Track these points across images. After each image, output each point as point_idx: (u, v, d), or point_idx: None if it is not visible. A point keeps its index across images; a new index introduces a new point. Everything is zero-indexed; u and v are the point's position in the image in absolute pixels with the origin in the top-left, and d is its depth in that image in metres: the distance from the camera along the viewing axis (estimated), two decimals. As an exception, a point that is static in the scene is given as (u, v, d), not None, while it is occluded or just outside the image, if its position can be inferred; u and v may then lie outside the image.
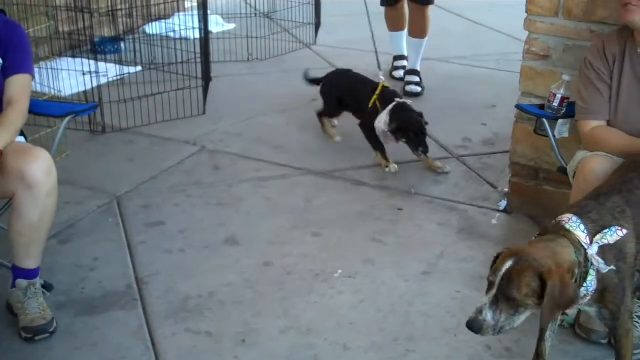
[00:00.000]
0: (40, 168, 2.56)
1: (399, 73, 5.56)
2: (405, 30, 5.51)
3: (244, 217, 3.57)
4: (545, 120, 3.00)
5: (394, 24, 5.55)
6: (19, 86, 2.77)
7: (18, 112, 2.72)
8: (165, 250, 3.27)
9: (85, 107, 3.18)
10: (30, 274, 2.71)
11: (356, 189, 3.88)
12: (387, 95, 4.13)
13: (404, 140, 3.99)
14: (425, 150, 3.96)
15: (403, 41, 5.61)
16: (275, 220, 3.53)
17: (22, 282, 2.70)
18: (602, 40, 2.79)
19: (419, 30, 5.31)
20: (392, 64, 5.62)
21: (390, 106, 4.03)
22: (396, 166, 4.04)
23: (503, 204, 3.67)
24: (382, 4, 5.49)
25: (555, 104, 2.96)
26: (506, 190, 3.71)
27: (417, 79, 5.26)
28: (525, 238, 3.05)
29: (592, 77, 2.76)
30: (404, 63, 5.59)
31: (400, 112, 4.00)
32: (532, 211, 3.53)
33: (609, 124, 2.76)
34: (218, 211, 3.62)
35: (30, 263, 2.69)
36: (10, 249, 2.69)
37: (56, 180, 2.63)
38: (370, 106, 4.13)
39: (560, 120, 3.00)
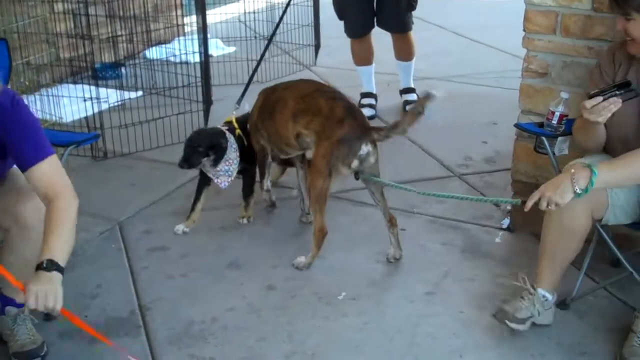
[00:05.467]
0: (34, 212, 2.42)
1: (364, 112, 4.88)
2: (373, 65, 5.23)
3: (247, 240, 3.57)
4: (544, 139, 2.99)
5: (361, 58, 5.23)
6: (48, 175, 2.36)
7: (63, 206, 2.34)
8: (168, 275, 3.26)
9: (87, 136, 3.20)
10: (20, 303, 2.68)
11: (357, 210, 3.87)
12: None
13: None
14: None
15: (372, 77, 5.27)
16: (278, 243, 3.53)
17: (11, 309, 2.68)
18: (618, 43, 2.81)
19: (405, 55, 5.20)
20: (359, 101, 5.15)
21: None
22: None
23: (506, 222, 3.65)
24: (348, 35, 5.16)
25: (554, 121, 2.95)
26: (509, 208, 3.70)
27: (415, 96, 5.21)
28: (529, 256, 3.04)
29: (596, 76, 2.80)
30: (372, 101, 5.26)
31: None
32: (535, 229, 3.46)
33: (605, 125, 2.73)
34: (220, 235, 3.62)
35: (19, 294, 2.63)
36: None
37: None
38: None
39: (559, 138, 2.99)
